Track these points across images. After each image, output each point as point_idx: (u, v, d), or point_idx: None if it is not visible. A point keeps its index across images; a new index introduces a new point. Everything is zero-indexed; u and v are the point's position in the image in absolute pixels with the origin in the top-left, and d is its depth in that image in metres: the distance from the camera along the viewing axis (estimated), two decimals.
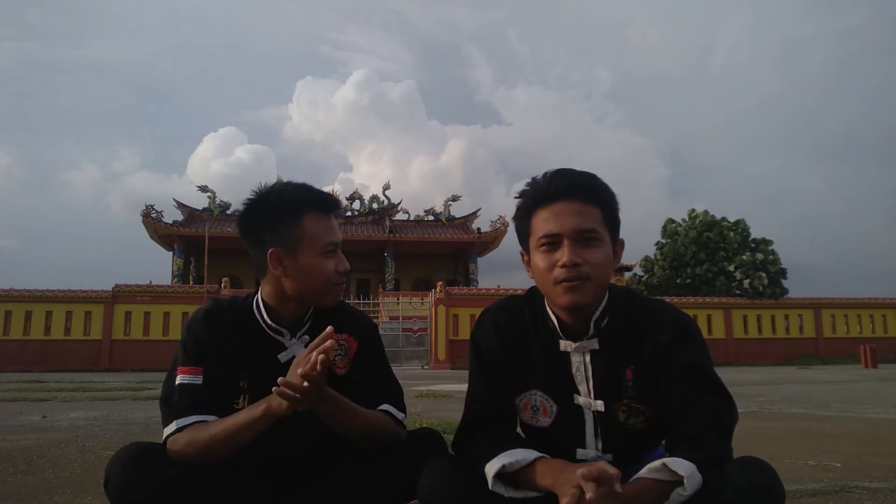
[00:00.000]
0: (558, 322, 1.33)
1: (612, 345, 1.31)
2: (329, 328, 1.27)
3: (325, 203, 1.49)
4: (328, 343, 1.24)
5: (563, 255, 1.24)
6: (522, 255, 1.38)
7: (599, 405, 1.31)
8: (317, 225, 1.45)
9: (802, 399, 7.35)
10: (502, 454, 1.21)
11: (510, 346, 1.37)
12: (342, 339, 1.53)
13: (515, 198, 1.35)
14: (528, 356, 1.37)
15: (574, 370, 1.33)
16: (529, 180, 1.33)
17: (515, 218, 1.37)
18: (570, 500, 1.05)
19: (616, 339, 1.31)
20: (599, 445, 1.33)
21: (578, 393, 1.33)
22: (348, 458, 1.46)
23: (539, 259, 1.28)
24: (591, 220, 1.26)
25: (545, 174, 1.31)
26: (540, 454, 1.22)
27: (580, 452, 1.34)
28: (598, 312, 1.30)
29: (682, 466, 1.08)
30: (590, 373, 1.31)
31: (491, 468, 1.20)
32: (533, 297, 1.41)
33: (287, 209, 1.45)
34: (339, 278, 1.49)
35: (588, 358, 1.32)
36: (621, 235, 1.35)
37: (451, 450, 1.41)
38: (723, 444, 1.19)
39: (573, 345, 1.32)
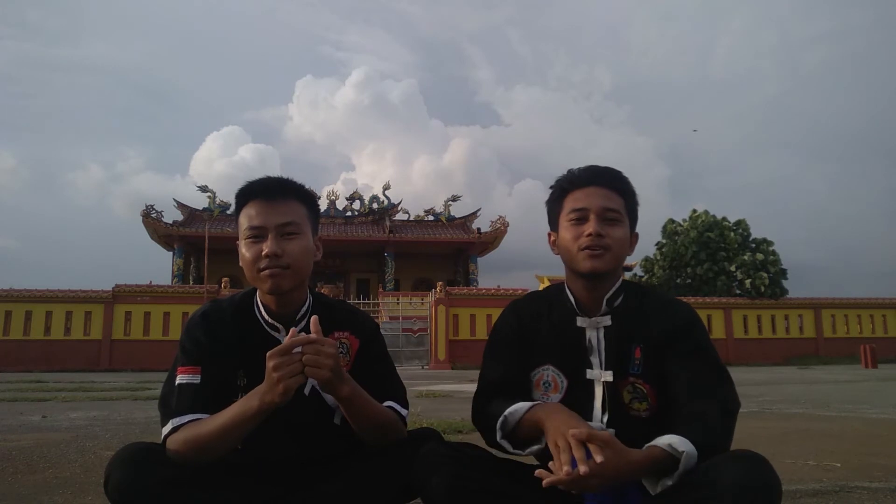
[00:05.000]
0: (576, 301, 1.47)
1: (623, 323, 1.43)
2: (314, 317, 1.30)
3: (257, 190, 1.46)
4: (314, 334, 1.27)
5: (590, 226, 1.40)
6: (549, 235, 1.54)
7: (609, 376, 1.41)
8: (246, 212, 1.46)
9: (802, 399, 7.34)
10: (509, 408, 1.33)
11: (526, 325, 1.51)
12: (343, 338, 1.53)
13: (550, 188, 1.54)
14: (543, 334, 1.49)
15: (587, 343, 1.44)
16: (565, 171, 1.51)
17: (549, 201, 1.54)
18: (566, 469, 1.09)
19: (628, 318, 1.44)
20: (605, 419, 1.39)
21: (591, 367, 1.43)
22: (348, 458, 1.47)
23: (566, 231, 1.45)
24: (615, 203, 1.44)
25: (580, 167, 1.50)
26: (536, 402, 1.35)
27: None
28: (611, 291, 1.45)
29: (689, 455, 1.15)
30: (602, 346, 1.43)
31: (497, 421, 1.33)
32: (552, 288, 1.56)
33: (237, 205, 1.49)
34: (263, 262, 1.40)
35: (601, 333, 1.44)
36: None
37: (472, 418, 1.49)
38: (729, 429, 1.27)
39: (588, 320, 1.45)
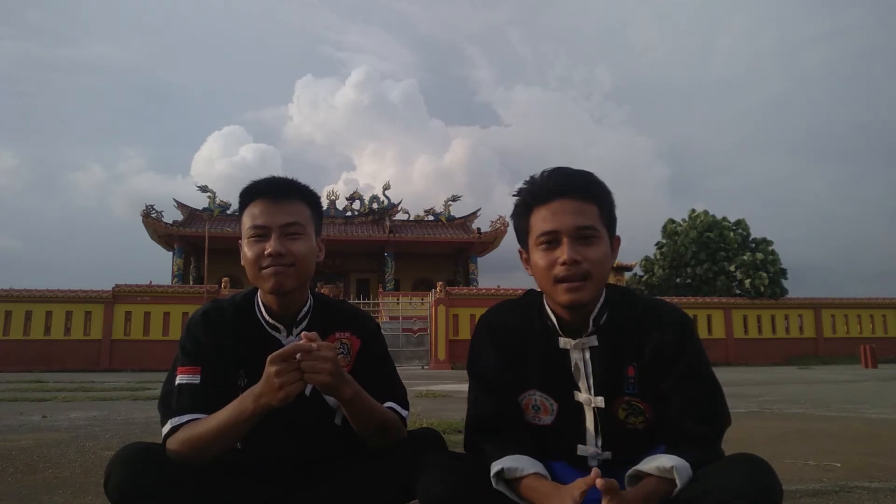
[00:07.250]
0: (557, 320, 1.35)
1: (611, 341, 1.33)
2: (303, 333, 1.27)
3: (262, 189, 1.46)
4: (304, 342, 1.24)
5: (563, 252, 1.25)
6: (521, 252, 1.39)
7: (600, 401, 1.32)
8: (250, 211, 1.46)
9: (802, 399, 7.34)
10: (507, 458, 1.24)
11: (505, 349, 1.39)
12: (344, 338, 1.53)
13: (513, 196, 1.37)
14: (525, 357, 1.38)
15: (573, 367, 1.34)
16: (527, 179, 1.35)
17: (514, 216, 1.38)
18: None
19: (616, 335, 1.33)
20: (599, 443, 1.34)
21: (579, 390, 1.34)
22: (348, 458, 1.47)
23: (538, 257, 1.29)
24: (588, 218, 1.27)
25: (543, 172, 1.33)
26: (536, 470, 1.23)
27: (580, 448, 1.35)
28: (596, 310, 1.32)
29: (680, 469, 1.13)
30: (589, 369, 1.33)
31: (492, 468, 1.24)
32: (530, 298, 1.43)
33: (241, 203, 1.49)
34: (266, 261, 1.40)
35: (587, 354, 1.33)
36: (618, 233, 1.38)
37: (464, 446, 1.41)
38: (719, 445, 1.25)
39: (572, 342, 1.34)
